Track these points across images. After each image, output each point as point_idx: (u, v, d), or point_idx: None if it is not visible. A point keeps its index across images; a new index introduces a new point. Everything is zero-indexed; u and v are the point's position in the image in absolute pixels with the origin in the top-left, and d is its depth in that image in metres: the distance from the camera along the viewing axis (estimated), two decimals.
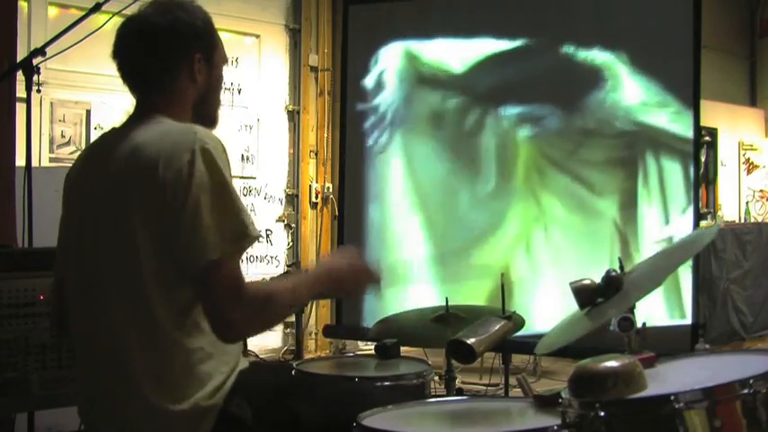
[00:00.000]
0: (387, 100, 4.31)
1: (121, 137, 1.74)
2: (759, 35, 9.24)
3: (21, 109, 3.56)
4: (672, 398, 1.32)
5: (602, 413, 1.35)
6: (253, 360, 1.93)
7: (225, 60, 1.91)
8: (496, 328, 1.99)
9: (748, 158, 8.74)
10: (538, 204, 4.01)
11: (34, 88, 3.08)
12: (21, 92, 3.50)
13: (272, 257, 6.31)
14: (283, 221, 6.42)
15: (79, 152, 5.17)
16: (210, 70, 1.85)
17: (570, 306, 1.80)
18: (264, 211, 6.28)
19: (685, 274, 3.60)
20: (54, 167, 4.90)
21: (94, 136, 5.28)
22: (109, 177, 1.71)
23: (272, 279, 2.10)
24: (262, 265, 6.23)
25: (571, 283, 1.75)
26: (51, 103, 5.14)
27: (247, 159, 6.17)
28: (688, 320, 3.63)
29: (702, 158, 7.45)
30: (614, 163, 3.90)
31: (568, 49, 3.94)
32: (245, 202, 6.11)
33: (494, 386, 4.55)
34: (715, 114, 7.94)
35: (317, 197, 6.50)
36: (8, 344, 2.49)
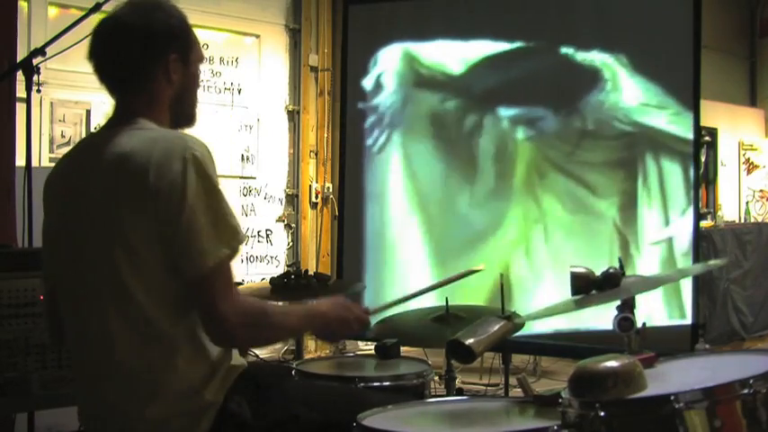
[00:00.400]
0: (386, 101, 4.31)
1: (106, 142, 1.73)
2: (759, 35, 9.24)
3: (21, 109, 3.57)
4: (672, 398, 1.33)
5: (602, 413, 1.35)
6: (253, 360, 1.93)
7: (201, 59, 1.92)
8: (496, 328, 1.99)
9: (748, 158, 8.74)
10: (538, 206, 4.01)
11: (34, 88, 3.08)
12: (21, 92, 3.50)
13: (272, 257, 6.31)
14: (283, 221, 6.42)
15: None
16: (186, 70, 1.86)
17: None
18: (264, 211, 6.28)
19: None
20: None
21: None
22: (97, 184, 1.71)
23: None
24: (262, 265, 6.23)
25: (571, 267, 1.76)
26: (51, 103, 5.14)
27: (247, 159, 6.17)
28: (688, 320, 3.63)
29: (702, 158, 7.44)
30: (614, 164, 3.89)
31: (567, 50, 3.93)
32: (245, 202, 6.13)
33: (494, 386, 4.55)
34: (715, 114, 7.94)
35: (316, 197, 6.50)
36: (8, 344, 2.49)
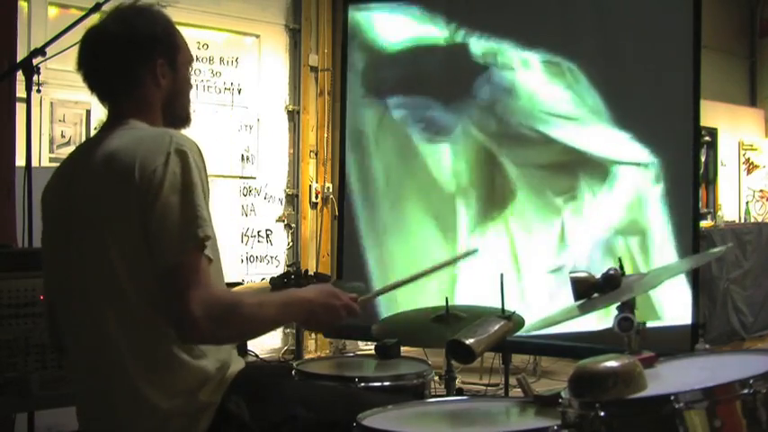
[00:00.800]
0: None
1: (97, 145, 1.76)
2: (759, 35, 9.24)
3: (21, 109, 3.57)
4: (672, 398, 1.33)
5: (602, 413, 1.35)
6: (252, 360, 1.92)
7: (190, 61, 1.93)
8: (496, 328, 1.99)
9: (748, 158, 8.74)
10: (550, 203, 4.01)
11: (34, 88, 3.08)
12: (21, 92, 3.50)
13: (272, 257, 6.31)
14: (283, 221, 6.42)
15: None
16: (175, 73, 1.87)
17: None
18: (264, 211, 6.28)
19: (686, 274, 3.59)
20: (54, 167, 4.88)
21: None
22: (87, 186, 1.72)
23: (241, 290, 2.06)
24: (262, 265, 6.23)
25: (571, 273, 1.76)
26: (51, 103, 5.13)
27: (247, 159, 6.17)
28: (688, 320, 3.63)
29: (702, 158, 7.45)
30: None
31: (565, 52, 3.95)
32: (245, 202, 6.13)
33: (494, 386, 4.55)
34: (715, 114, 7.94)
35: (317, 197, 6.50)
36: (8, 344, 2.48)
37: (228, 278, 2.10)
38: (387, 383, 2.25)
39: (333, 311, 1.86)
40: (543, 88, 3.98)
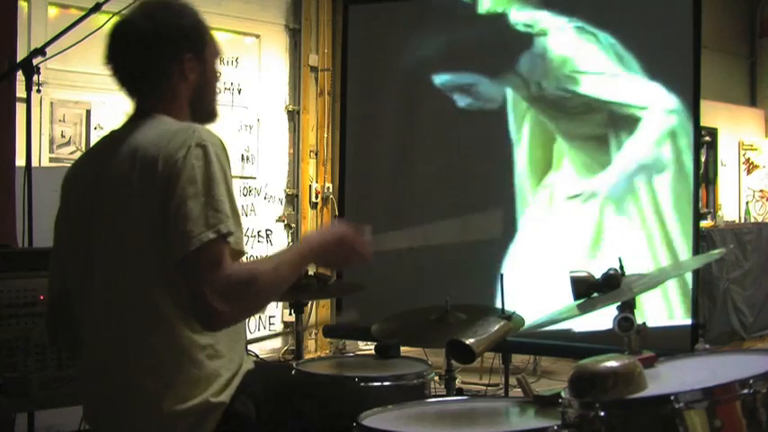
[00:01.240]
0: None
1: (122, 138, 1.75)
2: (759, 35, 9.23)
3: (21, 109, 3.56)
4: (672, 398, 1.33)
5: (602, 413, 1.35)
6: (255, 360, 1.92)
7: (217, 54, 1.91)
8: (496, 328, 1.99)
9: (748, 158, 8.74)
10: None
11: (34, 88, 3.08)
12: (21, 92, 3.50)
13: None
14: (283, 221, 6.42)
15: (79, 152, 5.21)
16: (203, 67, 1.86)
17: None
18: (264, 211, 6.28)
19: (685, 274, 3.60)
20: (54, 167, 4.89)
21: (94, 136, 5.27)
22: (112, 180, 1.72)
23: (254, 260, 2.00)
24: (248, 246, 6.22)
25: (570, 272, 1.76)
26: (51, 103, 5.13)
27: (247, 159, 6.17)
28: (688, 320, 3.63)
29: (702, 158, 7.44)
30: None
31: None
32: (245, 202, 6.12)
33: (494, 386, 4.54)
34: (715, 114, 7.94)
35: (316, 197, 6.50)
36: (8, 344, 2.49)
37: None
38: (387, 383, 2.25)
39: (345, 245, 1.81)
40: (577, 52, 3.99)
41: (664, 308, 3.66)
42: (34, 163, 3.46)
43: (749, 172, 8.73)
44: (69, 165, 1.95)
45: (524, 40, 4.02)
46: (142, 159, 1.66)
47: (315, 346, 6.30)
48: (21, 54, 3.43)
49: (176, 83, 1.82)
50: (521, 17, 4.04)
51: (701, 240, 4.61)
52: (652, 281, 1.80)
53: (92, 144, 1.95)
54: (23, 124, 3.36)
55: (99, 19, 3.30)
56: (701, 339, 5.19)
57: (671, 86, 3.74)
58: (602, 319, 1.73)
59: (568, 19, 3.94)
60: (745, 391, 1.35)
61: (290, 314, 4.47)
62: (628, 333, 1.64)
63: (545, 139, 4.04)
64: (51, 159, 5.11)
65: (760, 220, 8.36)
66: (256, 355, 5.63)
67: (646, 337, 1.65)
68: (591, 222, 3.89)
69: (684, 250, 3.68)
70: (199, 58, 1.84)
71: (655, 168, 3.77)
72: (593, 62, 3.90)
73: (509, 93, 4.10)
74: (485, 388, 4.58)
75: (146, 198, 1.65)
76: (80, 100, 5.26)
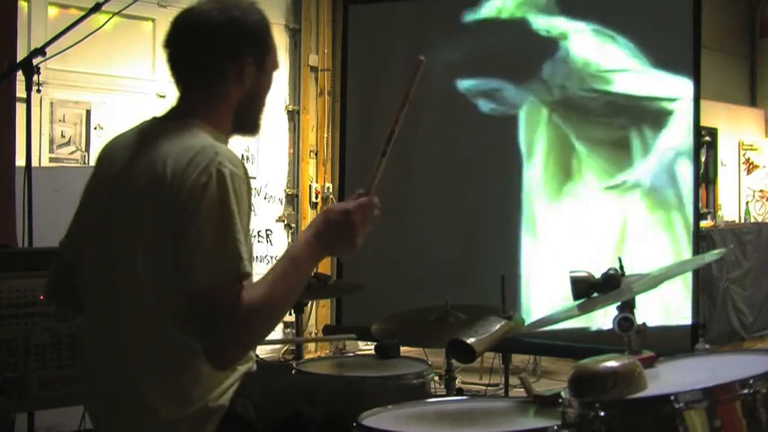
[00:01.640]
0: None
1: (154, 139, 1.71)
2: (759, 35, 9.23)
3: (21, 109, 3.56)
4: (672, 398, 1.33)
5: (602, 413, 1.35)
6: (256, 361, 1.92)
7: (276, 67, 1.86)
8: (496, 328, 1.99)
9: (748, 158, 8.74)
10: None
11: (34, 88, 3.08)
12: (21, 92, 3.50)
13: (272, 257, 6.30)
14: (283, 221, 6.42)
15: (79, 153, 5.20)
16: (260, 75, 1.81)
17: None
18: (264, 211, 6.28)
19: (685, 274, 3.60)
20: (54, 167, 4.89)
21: (94, 136, 5.27)
22: (133, 183, 1.68)
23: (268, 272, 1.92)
24: (262, 265, 6.22)
25: (570, 272, 1.76)
26: (51, 103, 5.13)
27: (247, 159, 6.16)
28: (688, 320, 3.63)
29: (702, 158, 7.45)
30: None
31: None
32: None
33: (494, 386, 4.54)
34: (715, 114, 7.94)
35: (316, 197, 6.50)
36: (8, 344, 2.49)
37: None
38: (387, 383, 2.25)
39: (348, 220, 1.70)
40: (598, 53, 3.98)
41: (664, 308, 3.66)
42: (34, 163, 3.46)
43: (749, 172, 8.73)
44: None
45: (544, 45, 4.01)
46: (161, 171, 1.62)
47: (315, 347, 6.30)
48: (21, 54, 3.43)
49: (230, 85, 1.76)
50: (541, 23, 4.03)
51: (701, 240, 4.62)
52: (652, 281, 1.80)
53: (119, 133, 1.85)
54: (23, 124, 3.36)
55: (99, 19, 3.31)
56: (701, 339, 5.19)
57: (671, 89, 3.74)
58: (603, 319, 1.73)
59: (585, 23, 3.94)
60: (745, 391, 1.35)
61: (290, 314, 4.48)
62: (628, 333, 1.64)
63: (562, 146, 4.03)
64: (51, 159, 5.11)
65: (760, 220, 8.36)
66: (256, 356, 5.63)
67: (646, 337, 1.65)
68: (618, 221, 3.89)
69: (685, 250, 3.69)
70: (259, 66, 1.80)
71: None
72: (616, 61, 3.89)
73: (527, 98, 4.09)
74: (485, 388, 4.59)
75: (156, 210, 1.62)
76: (80, 100, 5.26)
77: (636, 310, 1.65)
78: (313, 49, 6.56)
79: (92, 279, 1.76)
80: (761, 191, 8.68)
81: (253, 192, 1.94)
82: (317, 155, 6.55)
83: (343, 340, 2.26)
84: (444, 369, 2.38)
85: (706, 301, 5.97)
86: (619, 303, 1.65)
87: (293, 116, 6.49)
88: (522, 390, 1.81)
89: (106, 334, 1.72)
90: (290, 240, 6.42)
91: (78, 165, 5.14)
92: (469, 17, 4.20)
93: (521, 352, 4.66)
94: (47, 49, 2.98)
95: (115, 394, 1.70)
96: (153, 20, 5.63)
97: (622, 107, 3.87)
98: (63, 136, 5.22)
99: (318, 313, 6.34)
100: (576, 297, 1.76)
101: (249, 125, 1.87)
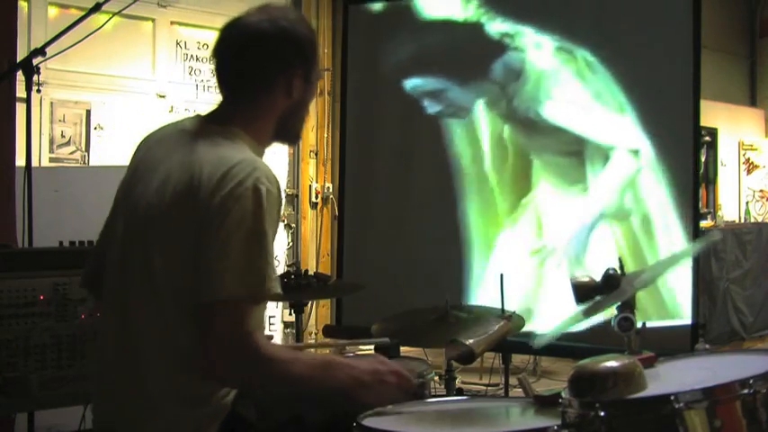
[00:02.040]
0: None
1: (193, 141, 1.70)
2: (759, 35, 9.24)
3: (21, 109, 3.56)
4: (672, 398, 1.33)
5: (602, 413, 1.35)
6: None
7: (320, 78, 1.87)
8: (496, 328, 1.99)
9: (748, 158, 8.74)
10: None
11: (34, 88, 3.08)
12: (21, 92, 3.50)
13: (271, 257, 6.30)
14: (283, 221, 6.42)
15: (79, 153, 5.20)
16: (307, 87, 1.81)
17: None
18: None
19: (685, 274, 3.60)
20: (54, 167, 4.89)
21: (94, 136, 5.28)
22: (164, 179, 1.68)
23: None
24: None
25: (571, 278, 1.76)
26: (51, 103, 5.13)
27: None
28: (688, 320, 3.63)
29: (702, 158, 7.45)
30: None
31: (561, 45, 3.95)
32: None
33: (494, 386, 4.55)
34: (715, 114, 7.94)
35: (316, 197, 6.50)
36: (8, 344, 2.49)
37: None
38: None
39: (381, 379, 1.74)
40: (553, 73, 3.96)
41: (664, 308, 3.66)
42: (34, 163, 3.46)
43: (749, 172, 8.73)
44: (69, 165, 1.94)
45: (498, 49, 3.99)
46: (196, 178, 1.62)
47: (314, 348, 6.29)
48: (21, 54, 3.43)
49: (277, 97, 1.77)
50: (500, 27, 4.03)
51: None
52: (651, 275, 1.80)
53: (152, 130, 1.87)
54: (23, 124, 3.36)
55: (99, 19, 3.31)
56: (701, 339, 5.20)
57: (671, 89, 3.73)
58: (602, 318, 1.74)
59: (550, 36, 3.93)
60: (745, 391, 1.35)
61: (290, 314, 4.48)
62: (628, 333, 1.64)
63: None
64: (51, 159, 5.11)
65: (760, 220, 8.37)
66: None
67: (646, 337, 1.65)
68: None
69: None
70: (306, 78, 1.80)
71: (617, 216, 3.75)
72: (566, 88, 3.87)
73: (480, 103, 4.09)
74: (485, 388, 4.59)
75: (183, 217, 1.61)
76: (80, 100, 5.26)
77: (636, 311, 1.66)
78: None
79: (111, 274, 1.76)
80: (761, 191, 8.68)
81: None
82: (317, 155, 6.55)
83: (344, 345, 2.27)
84: (444, 369, 2.38)
85: (706, 301, 5.97)
86: (618, 303, 1.66)
87: None
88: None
89: (118, 330, 1.72)
90: (290, 240, 6.42)
91: (78, 165, 5.15)
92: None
93: (521, 352, 4.65)
94: (47, 49, 2.98)
95: (122, 392, 1.70)
96: (153, 20, 5.62)
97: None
98: (63, 136, 5.22)
99: (318, 313, 6.34)
100: (578, 302, 1.75)
101: (291, 135, 1.88)
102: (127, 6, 3.63)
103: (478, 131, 4.11)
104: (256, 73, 1.75)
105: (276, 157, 6.35)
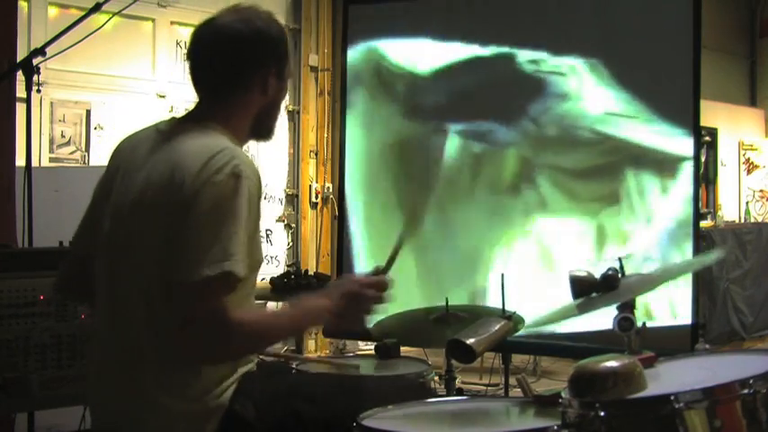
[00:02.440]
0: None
1: (171, 137, 1.72)
2: (759, 35, 9.24)
3: (21, 109, 3.56)
4: (672, 398, 1.33)
5: (602, 413, 1.35)
6: (256, 361, 1.92)
7: (292, 75, 1.91)
8: (496, 328, 1.99)
9: (748, 158, 8.75)
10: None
11: (34, 88, 3.08)
12: (21, 92, 3.50)
13: (271, 257, 6.31)
14: (283, 221, 6.42)
15: (79, 153, 5.20)
16: (280, 84, 1.84)
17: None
18: (264, 212, 6.26)
19: (686, 274, 3.59)
20: (54, 167, 4.90)
21: (94, 136, 5.28)
22: (146, 177, 1.69)
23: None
24: (262, 265, 6.22)
25: (570, 272, 1.76)
26: (51, 103, 5.13)
27: None
28: (688, 320, 3.63)
29: (702, 158, 7.45)
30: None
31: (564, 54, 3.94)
32: None
33: (494, 386, 4.55)
34: (715, 114, 7.95)
35: (316, 197, 6.50)
36: (8, 344, 2.49)
37: None
38: (387, 383, 2.25)
39: (359, 296, 1.78)
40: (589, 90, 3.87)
41: (664, 308, 3.66)
42: (34, 163, 3.46)
43: (749, 172, 8.74)
44: (69, 165, 1.94)
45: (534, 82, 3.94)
46: (177, 173, 1.63)
47: (315, 347, 6.30)
48: (21, 54, 3.43)
49: (253, 95, 1.79)
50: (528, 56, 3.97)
51: (701, 240, 4.61)
52: (651, 282, 1.80)
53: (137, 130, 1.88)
54: (23, 124, 3.36)
55: (99, 19, 3.31)
56: (701, 339, 5.19)
57: (671, 89, 3.72)
58: (603, 318, 1.73)
59: (583, 60, 3.87)
60: (745, 391, 1.35)
61: None
62: (628, 333, 1.64)
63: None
64: (51, 159, 5.11)
65: (760, 220, 8.37)
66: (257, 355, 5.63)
67: (646, 337, 1.65)
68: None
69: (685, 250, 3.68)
70: (279, 75, 1.82)
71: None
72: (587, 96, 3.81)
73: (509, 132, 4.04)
74: (485, 388, 4.59)
75: (168, 209, 1.62)
76: (80, 100, 5.26)
77: (636, 311, 1.66)
78: (313, 49, 6.56)
79: (103, 275, 1.76)
80: (761, 191, 8.68)
81: None
82: (317, 155, 6.56)
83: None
84: (444, 369, 2.38)
85: (706, 301, 5.97)
86: (619, 303, 1.66)
87: (293, 116, 6.49)
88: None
89: (112, 328, 1.72)
90: (289, 240, 6.42)
91: (78, 165, 5.15)
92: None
93: (521, 352, 4.66)
94: (47, 49, 2.98)
95: (118, 391, 1.71)
96: (153, 20, 5.63)
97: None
98: (63, 136, 5.22)
99: None
100: (575, 296, 1.76)
101: (265, 132, 1.89)
102: (127, 6, 3.63)
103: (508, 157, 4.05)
104: (233, 73, 1.77)
105: (276, 157, 6.36)
